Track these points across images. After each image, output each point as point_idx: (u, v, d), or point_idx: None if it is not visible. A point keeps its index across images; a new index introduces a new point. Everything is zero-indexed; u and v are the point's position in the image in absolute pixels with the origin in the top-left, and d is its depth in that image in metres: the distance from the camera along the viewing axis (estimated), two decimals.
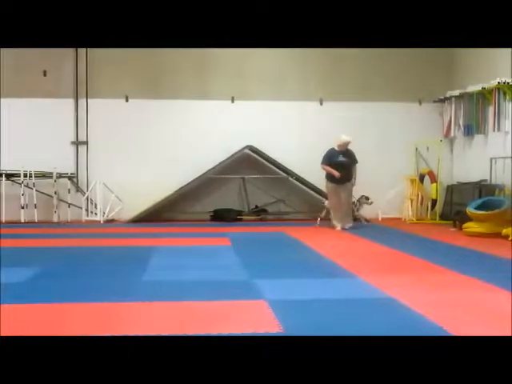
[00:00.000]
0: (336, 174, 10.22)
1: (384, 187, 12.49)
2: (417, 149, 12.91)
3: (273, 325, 4.07)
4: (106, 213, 11.92)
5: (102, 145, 12.36)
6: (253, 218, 12.43)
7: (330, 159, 10.37)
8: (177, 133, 12.49)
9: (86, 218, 11.91)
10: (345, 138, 10.38)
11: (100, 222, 11.76)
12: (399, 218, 12.52)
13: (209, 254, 7.70)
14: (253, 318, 4.34)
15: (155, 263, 6.80)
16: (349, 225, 10.55)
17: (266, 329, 3.96)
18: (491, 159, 11.05)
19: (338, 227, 10.46)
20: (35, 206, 11.66)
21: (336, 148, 10.41)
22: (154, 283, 5.68)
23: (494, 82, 11.06)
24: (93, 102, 12.32)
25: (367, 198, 10.25)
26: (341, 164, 10.30)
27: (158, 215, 12.05)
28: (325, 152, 10.49)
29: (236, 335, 3.74)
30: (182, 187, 11.99)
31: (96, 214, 11.95)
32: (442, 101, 12.86)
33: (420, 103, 13.04)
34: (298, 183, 12.62)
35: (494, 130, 11.27)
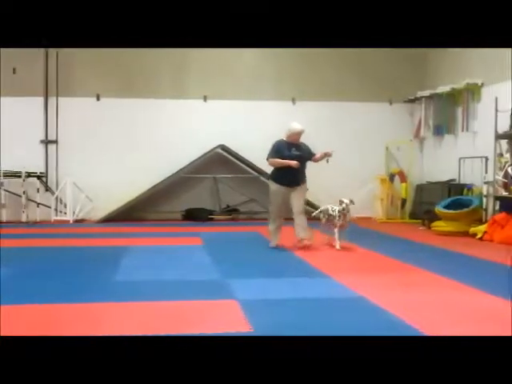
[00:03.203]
0: (293, 163, 7.77)
1: (355, 187, 12.57)
2: (387, 148, 13.02)
3: (243, 324, 4.08)
4: (76, 212, 11.80)
5: (73, 144, 12.23)
6: (225, 217, 12.42)
7: (279, 153, 7.94)
8: (149, 132, 12.43)
9: (55, 218, 11.77)
10: (296, 126, 8.11)
11: (70, 221, 11.64)
12: (370, 218, 12.62)
13: (180, 253, 7.67)
14: (223, 317, 4.34)
15: (127, 263, 6.76)
16: (305, 237, 8.03)
17: (236, 328, 3.96)
18: (460, 159, 11.19)
19: (273, 243, 8.17)
20: (3, 206, 11.50)
21: (285, 139, 8.12)
22: (125, 283, 5.64)
23: (463, 83, 11.21)
24: (63, 101, 12.17)
25: (352, 202, 8.40)
26: (292, 159, 7.87)
27: (129, 215, 11.96)
28: (271, 144, 8.20)
29: (206, 335, 3.74)
30: (154, 186, 11.93)
31: (66, 213, 11.82)
32: (413, 101, 12.99)
33: (391, 103, 13.16)
34: None
35: (462, 131, 11.43)
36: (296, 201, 8.02)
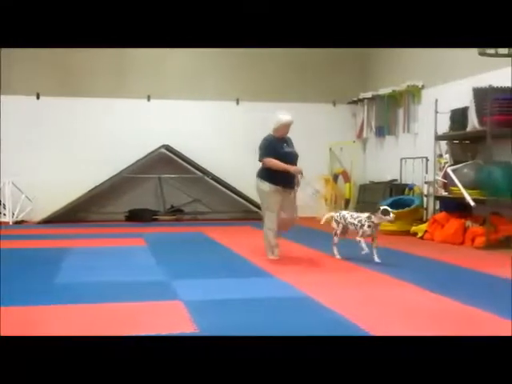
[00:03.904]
0: (294, 168, 6.97)
1: (300, 187, 12.64)
2: (331, 149, 13.17)
3: (188, 325, 4.04)
4: (16, 214, 11.49)
5: (12, 143, 11.87)
6: (169, 217, 12.32)
7: (274, 150, 6.95)
8: (92, 131, 12.20)
9: None
10: (285, 116, 7.12)
11: (9, 223, 11.32)
12: (314, 217, 12.72)
13: (123, 254, 7.56)
14: (168, 318, 4.30)
15: (68, 265, 6.62)
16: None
17: (180, 329, 3.92)
18: (401, 159, 11.41)
19: (272, 256, 7.08)
20: None
21: (273, 134, 7.16)
22: (67, 286, 5.52)
23: (403, 85, 11.44)
24: (1, 99, 11.82)
25: (387, 213, 6.82)
26: (288, 157, 7.03)
27: (71, 216, 11.72)
28: (261, 141, 7.21)
29: (150, 336, 3.69)
30: (96, 187, 11.75)
31: (5, 214, 11.50)
32: (356, 102, 13.17)
33: (334, 105, 13.31)
34: (214, 183, 12.61)
35: (404, 132, 11.66)
36: (288, 206, 7.08)
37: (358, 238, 6.90)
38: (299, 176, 7.06)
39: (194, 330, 3.91)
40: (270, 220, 7.01)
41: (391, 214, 6.82)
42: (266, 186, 6.96)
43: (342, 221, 7.15)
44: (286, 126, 7.10)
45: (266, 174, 6.98)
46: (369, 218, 6.87)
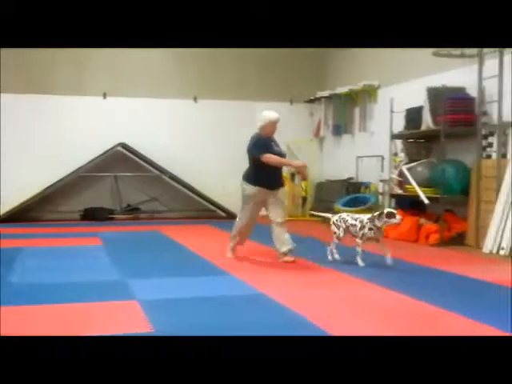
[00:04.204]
0: (297, 163, 7.24)
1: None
2: (288, 147, 13.21)
3: (143, 325, 4.01)
4: None
5: None
6: (125, 216, 12.20)
7: (269, 149, 6.76)
8: (47, 129, 11.96)
9: None
10: (273, 113, 6.95)
11: None
12: None
13: (79, 254, 7.45)
14: (123, 318, 4.26)
15: (22, 265, 6.49)
16: (287, 251, 6.80)
17: (136, 329, 3.89)
18: (357, 158, 11.53)
19: (230, 254, 7.08)
20: None
21: (261, 133, 6.93)
22: (21, 286, 5.42)
23: (360, 85, 11.56)
24: None
25: (392, 215, 6.43)
26: (280, 156, 6.87)
27: (25, 215, 11.50)
28: (252, 140, 6.97)
29: (105, 336, 3.64)
30: (51, 185, 11.55)
31: None
32: (313, 101, 13.25)
33: (291, 103, 13.36)
34: (171, 181, 12.53)
35: (360, 131, 11.79)
36: (275, 207, 6.83)
37: (357, 240, 6.55)
38: (304, 171, 7.03)
39: (150, 330, 3.88)
40: (242, 219, 6.95)
41: (398, 217, 6.44)
42: (250, 189, 6.76)
43: (343, 224, 6.75)
44: (274, 124, 6.87)
45: (252, 176, 6.77)
46: (371, 220, 6.50)
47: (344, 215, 6.90)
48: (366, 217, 6.61)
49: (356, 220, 6.64)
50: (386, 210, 6.55)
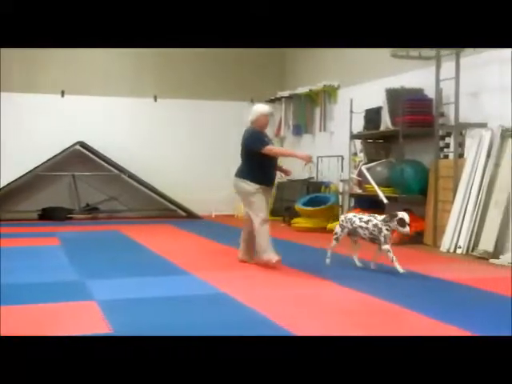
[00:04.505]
0: (302, 154, 6.96)
1: (217, 185, 12.67)
2: None
3: (102, 326, 3.96)
4: None
5: None
6: (84, 216, 12.04)
7: (266, 141, 6.52)
8: (4, 127, 11.70)
9: None
10: (264, 106, 6.83)
11: None
12: (232, 215, 12.76)
13: (36, 254, 7.32)
14: (82, 319, 4.20)
15: None
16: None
17: (94, 330, 3.84)
18: (318, 158, 11.60)
19: (274, 258, 6.26)
20: None
21: (254, 127, 6.61)
22: None
23: (320, 85, 11.64)
24: None
25: (403, 223, 5.96)
26: None
27: None
28: (248, 134, 6.62)
29: (63, 336, 3.58)
30: (7, 185, 11.32)
31: None
32: (273, 101, 13.28)
33: (252, 102, 13.36)
34: (131, 180, 12.41)
35: (320, 131, 11.87)
36: (268, 205, 6.63)
37: (383, 247, 6.02)
38: (309, 161, 6.83)
39: (109, 331, 3.84)
40: (261, 220, 6.35)
41: (407, 227, 5.95)
42: (251, 187, 6.39)
43: (348, 225, 6.34)
44: (265, 117, 6.59)
45: (250, 173, 6.43)
46: (384, 221, 6.03)
47: (350, 215, 6.46)
48: (378, 218, 6.13)
49: (368, 223, 6.15)
50: (399, 215, 5.99)
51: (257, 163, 6.41)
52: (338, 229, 6.48)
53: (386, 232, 6.00)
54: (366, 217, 6.28)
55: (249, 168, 6.48)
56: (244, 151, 6.57)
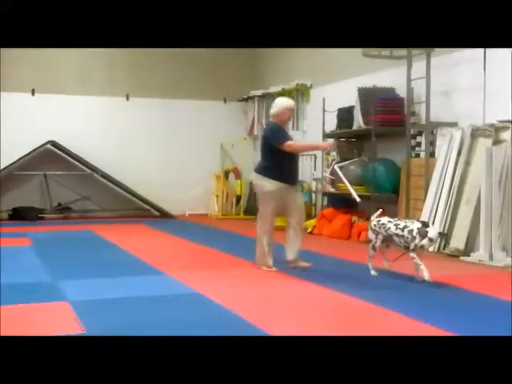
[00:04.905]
0: (324, 145, 6.75)
1: (191, 184, 12.66)
2: (222, 146, 13.22)
3: (74, 326, 3.93)
4: None
5: None
6: (56, 216, 11.91)
7: (287, 136, 6.25)
8: None
9: None
10: (287, 100, 6.66)
11: None
12: (206, 214, 12.74)
13: (7, 255, 7.20)
14: (54, 320, 4.16)
15: None
16: (297, 256, 6.26)
17: (67, 331, 3.81)
18: None
19: (267, 267, 6.16)
20: None
21: (276, 122, 6.33)
22: None
23: (293, 84, 11.68)
24: None
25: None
26: None
27: None
28: (269, 128, 6.44)
29: (35, 336, 3.54)
30: None
31: None
32: (246, 100, 13.30)
33: (225, 101, 13.37)
34: (103, 180, 12.32)
35: (293, 129, 11.87)
36: (297, 206, 6.25)
37: (411, 255, 5.50)
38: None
39: (82, 331, 3.81)
40: (267, 223, 6.19)
41: (425, 241, 5.35)
42: (271, 185, 6.07)
43: (382, 230, 5.79)
44: (289, 110, 6.37)
45: (270, 170, 6.11)
46: (423, 228, 5.45)
47: (384, 220, 5.84)
48: (415, 225, 5.52)
49: (404, 230, 5.56)
50: (422, 228, 5.44)
51: (277, 159, 6.10)
52: (371, 235, 5.91)
53: (420, 241, 5.41)
54: (400, 222, 5.71)
55: (269, 164, 6.17)
56: (264, 146, 6.29)
